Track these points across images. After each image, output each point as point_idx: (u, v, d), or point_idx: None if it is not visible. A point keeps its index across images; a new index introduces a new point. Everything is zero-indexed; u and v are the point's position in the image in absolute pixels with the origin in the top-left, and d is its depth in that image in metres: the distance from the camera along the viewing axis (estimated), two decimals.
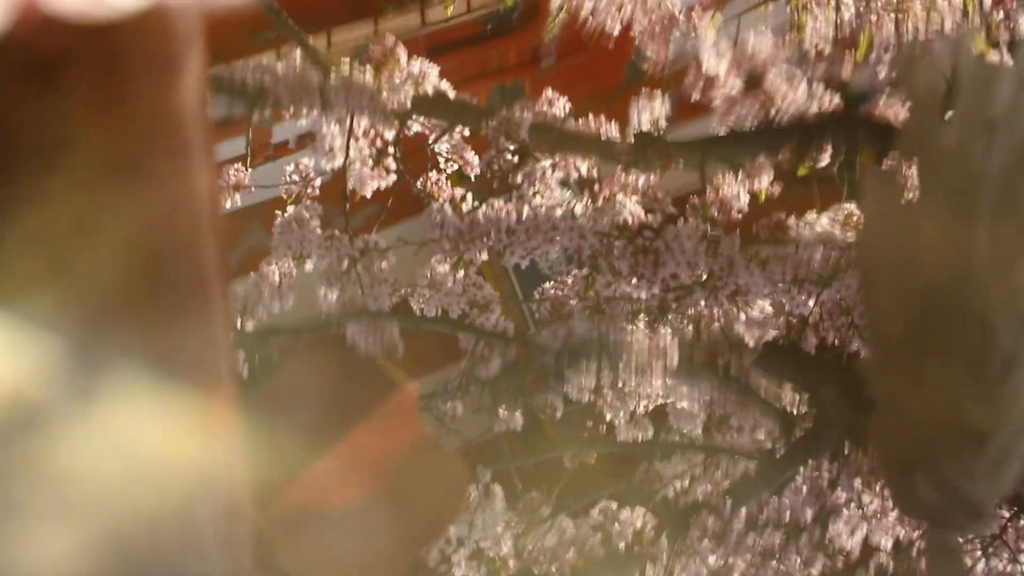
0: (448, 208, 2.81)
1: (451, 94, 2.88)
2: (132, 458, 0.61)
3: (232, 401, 0.72)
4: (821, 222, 2.84)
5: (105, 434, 0.59)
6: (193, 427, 0.65)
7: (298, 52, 2.85)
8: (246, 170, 2.94)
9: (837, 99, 2.93)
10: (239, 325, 2.90)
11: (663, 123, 2.93)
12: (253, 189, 2.95)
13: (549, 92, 2.91)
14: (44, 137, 0.54)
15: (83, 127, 0.55)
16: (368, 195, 2.89)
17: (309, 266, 2.88)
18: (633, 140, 2.88)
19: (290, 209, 2.92)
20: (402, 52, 2.82)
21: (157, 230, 0.60)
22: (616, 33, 2.88)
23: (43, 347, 0.54)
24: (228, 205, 2.88)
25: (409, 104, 2.77)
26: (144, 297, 0.60)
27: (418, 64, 2.83)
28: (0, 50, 0.40)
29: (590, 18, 2.88)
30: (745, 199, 2.88)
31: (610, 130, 2.89)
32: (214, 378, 0.68)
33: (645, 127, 2.92)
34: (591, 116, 2.90)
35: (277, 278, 2.88)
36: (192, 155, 0.61)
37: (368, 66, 2.80)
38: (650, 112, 2.92)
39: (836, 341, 2.95)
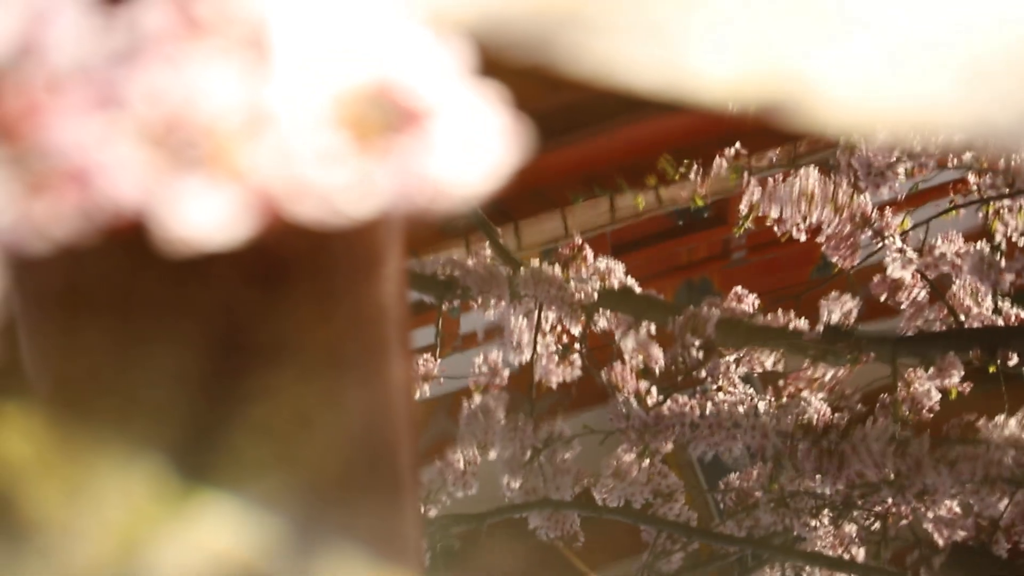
0: (633, 401, 2.83)
1: (637, 290, 2.92)
2: None
3: None
4: (1010, 424, 2.79)
5: None
6: None
7: (487, 246, 2.93)
8: (435, 360, 3.01)
9: None
10: (423, 512, 2.93)
11: (852, 320, 2.92)
12: (442, 380, 3.02)
13: (738, 289, 2.93)
14: (268, 336, 0.59)
15: (302, 326, 0.59)
16: (554, 387, 2.94)
17: (493, 455, 2.91)
18: (822, 334, 2.87)
19: (476, 398, 2.97)
20: (589, 251, 2.89)
21: (369, 421, 0.64)
22: (804, 238, 2.92)
23: (270, 527, 0.59)
24: (417, 395, 2.94)
25: (596, 298, 2.82)
26: (358, 482, 0.65)
27: (604, 261, 2.89)
28: (236, 253, 0.44)
29: (776, 225, 2.91)
30: (936, 397, 2.85)
31: (798, 325, 2.88)
32: (413, 559, 0.72)
33: (834, 321, 2.91)
34: (780, 311, 2.90)
35: (462, 466, 2.92)
36: (394, 348, 0.65)
37: (556, 264, 2.87)
38: (840, 308, 2.92)
39: None
